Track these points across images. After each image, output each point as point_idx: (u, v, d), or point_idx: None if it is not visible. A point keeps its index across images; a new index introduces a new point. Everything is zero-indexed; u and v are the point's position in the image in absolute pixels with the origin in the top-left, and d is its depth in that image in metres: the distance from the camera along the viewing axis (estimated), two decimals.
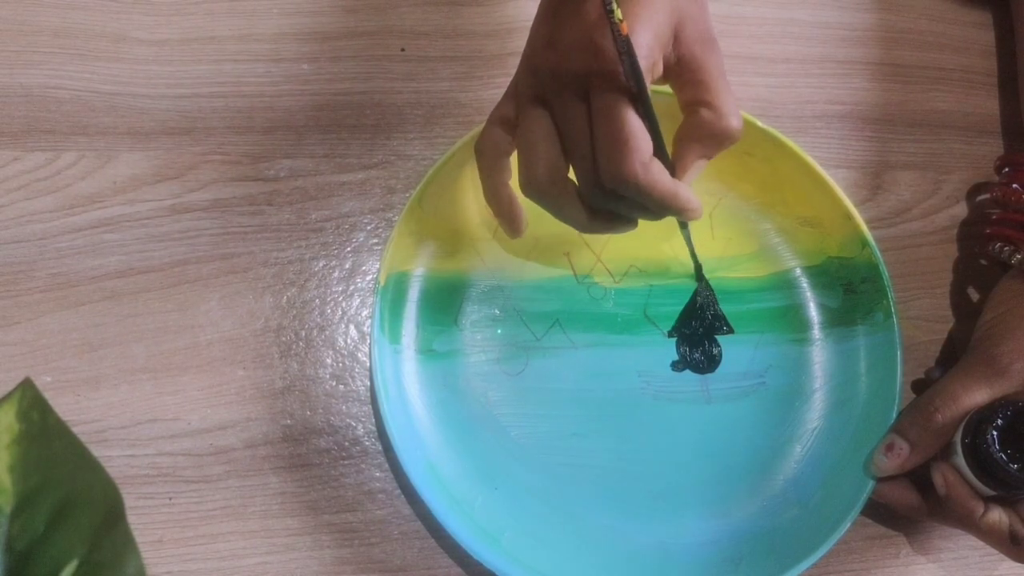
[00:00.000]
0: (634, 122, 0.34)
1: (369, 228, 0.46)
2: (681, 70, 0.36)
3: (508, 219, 0.41)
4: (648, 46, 0.34)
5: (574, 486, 0.43)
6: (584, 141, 0.35)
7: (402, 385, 0.42)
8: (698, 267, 0.47)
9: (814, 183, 0.46)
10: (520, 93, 0.38)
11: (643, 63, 0.34)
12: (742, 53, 0.53)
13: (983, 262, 0.51)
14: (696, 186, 0.43)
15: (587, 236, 0.46)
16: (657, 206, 0.36)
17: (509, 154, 0.40)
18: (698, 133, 0.36)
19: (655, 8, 0.34)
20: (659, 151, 0.35)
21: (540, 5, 0.38)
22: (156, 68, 0.46)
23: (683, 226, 0.43)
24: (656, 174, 0.34)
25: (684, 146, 0.37)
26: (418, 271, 0.44)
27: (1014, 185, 0.49)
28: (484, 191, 0.41)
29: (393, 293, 0.43)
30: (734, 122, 0.36)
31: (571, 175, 0.38)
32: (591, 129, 0.35)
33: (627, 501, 0.43)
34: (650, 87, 0.34)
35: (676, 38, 0.36)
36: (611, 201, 0.37)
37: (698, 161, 0.37)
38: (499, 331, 0.45)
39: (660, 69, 0.36)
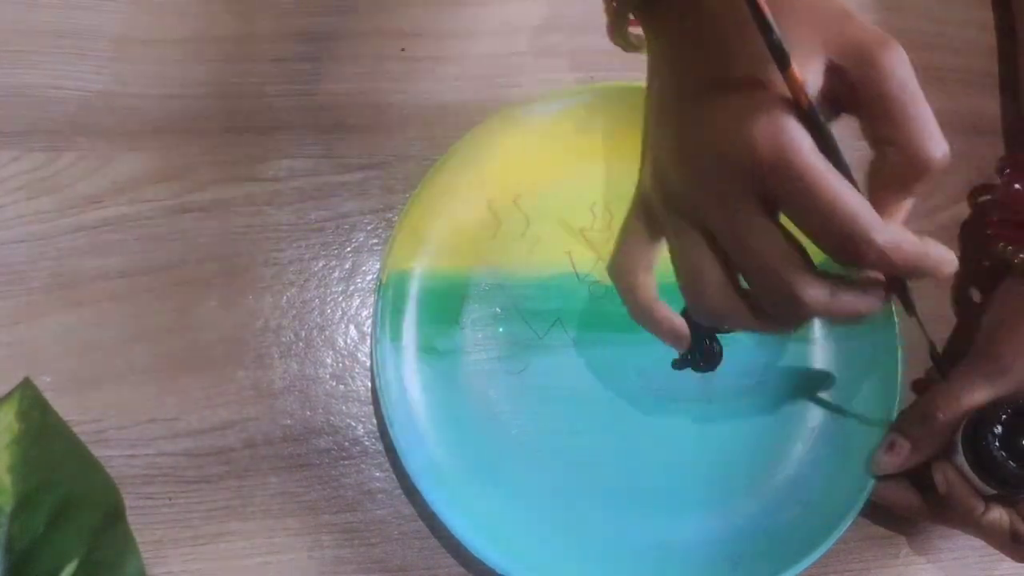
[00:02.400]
0: (846, 190, 0.27)
1: (369, 228, 0.46)
2: (852, 90, 0.29)
3: (670, 337, 0.36)
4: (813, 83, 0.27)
5: (575, 484, 0.43)
6: (777, 254, 0.29)
7: (403, 383, 0.42)
8: (932, 347, 0.42)
9: None
10: (659, 217, 0.32)
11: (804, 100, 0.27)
12: None
13: (985, 263, 0.51)
14: None
15: (589, 236, 0.46)
16: (903, 272, 0.29)
17: (650, 270, 0.35)
18: (888, 176, 0.29)
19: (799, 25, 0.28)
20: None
21: (649, 104, 0.33)
22: (156, 68, 0.46)
23: (910, 310, 0.35)
24: (896, 232, 0.28)
25: (878, 189, 0.29)
26: (419, 269, 0.44)
27: (1016, 186, 0.49)
28: (633, 315, 0.36)
29: (394, 291, 0.43)
30: (934, 151, 0.28)
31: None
32: (786, 235, 0.29)
33: (627, 499, 0.43)
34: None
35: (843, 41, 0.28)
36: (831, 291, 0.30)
37: (900, 204, 0.30)
38: (500, 329, 0.45)
39: (817, 81, 0.29)
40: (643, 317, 0.35)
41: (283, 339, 0.44)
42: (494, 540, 0.40)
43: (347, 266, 0.45)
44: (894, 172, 0.29)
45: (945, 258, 0.29)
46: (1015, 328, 0.43)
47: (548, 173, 0.46)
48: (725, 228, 0.29)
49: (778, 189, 0.27)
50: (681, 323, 0.35)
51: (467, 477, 0.42)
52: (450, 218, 0.45)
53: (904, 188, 0.29)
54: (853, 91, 0.28)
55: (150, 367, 0.42)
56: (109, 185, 0.44)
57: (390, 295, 0.43)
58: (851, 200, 0.27)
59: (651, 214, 0.33)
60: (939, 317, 0.50)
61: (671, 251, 0.32)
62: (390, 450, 0.42)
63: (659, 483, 0.44)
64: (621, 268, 0.35)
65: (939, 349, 0.44)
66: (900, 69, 0.28)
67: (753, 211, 0.28)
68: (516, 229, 0.46)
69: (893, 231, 0.27)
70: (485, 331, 0.45)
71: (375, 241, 0.46)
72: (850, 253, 0.28)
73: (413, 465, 0.40)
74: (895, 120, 0.28)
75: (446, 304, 0.44)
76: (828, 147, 0.27)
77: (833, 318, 0.30)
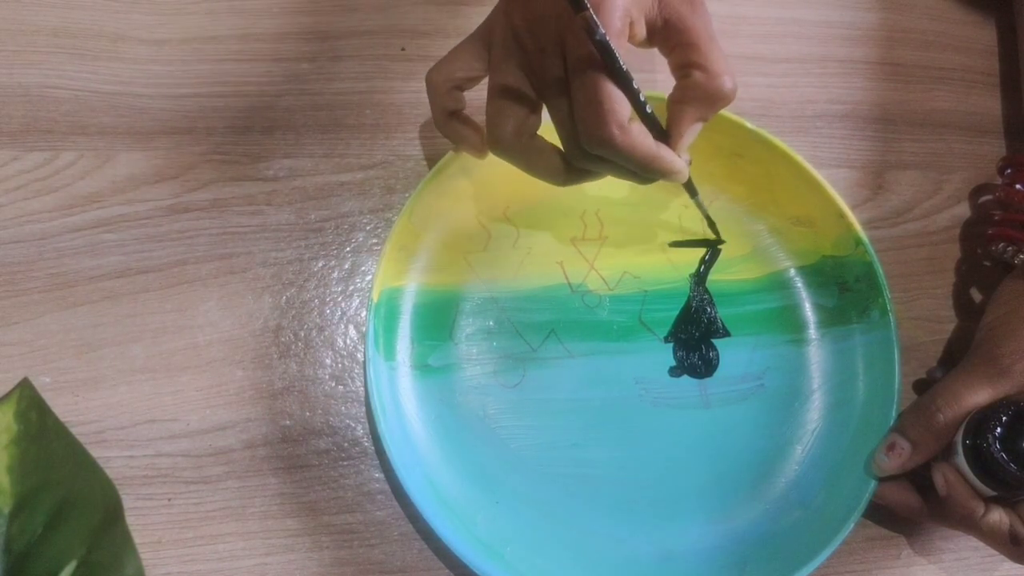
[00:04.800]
0: (608, 85, 0.33)
1: (368, 228, 0.46)
2: (668, 33, 0.36)
3: (466, 144, 0.42)
4: (623, 7, 0.34)
5: (576, 496, 0.43)
6: (563, 105, 0.35)
7: (399, 402, 0.42)
8: (715, 229, 0.47)
9: (805, 183, 0.46)
10: (495, 46, 0.38)
11: (617, 23, 0.33)
12: (743, 53, 0.53)
13: (986, 263, 0.51)
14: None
15: (580, 246, 0.46)
16: (639, 168, 0.36)
17: (462, 88, 0.41)
18: (691, 95, 0.36)
19: None
20: (642, 114, 0.35)
21: None
22: (156, 67, 0.46)
23: (692, 193, 0.43)
24: (635, 136, 0.34)
25: (678, 110, 0.36)
26: (411, 286, 0.44)
27: (1017, 186, 0.49)
28: (435, 121, 0.42)
29: (386, 309, 0.43)
30: (727, 82, 0.35)
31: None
32: (569, 91, 0.35)
33: (629, 509, 0.43)
34: (623, 52, 0.34)
35: (660, 0, 0.35)
36: (593, 162, 0.37)
37: (693, 125, 0.37)
38: (494, 343, 0.44)
39: (642, 31, 0.36)
40: (440, 123, 0.42)
41: (282, 339, 0.44)
42: (496, 556, 0.40)
43: (346, 266, 0.45)
44: (696, 93, 0.35)
45: (675, 167, 0.36)
46: (1015, 328, 0.43)
47: (537, 184, 0.46)
48: (545, 64, 0.35)
49: (570, 66, 0.34)
50: (477, 130, 0.41)
51: (467, 494, 0.41)
52: (440, 233, 0.45)
53: (702, 109, 0.36)
54: (667, 32, 0.36)
55: (149, 367, 0.42)
56: (108, 185, 0.44)
57: (383, 313, 0.42)
58: (611, 102, 0.33)
59: (484, 47, 0.39)
60: (939, 317, 0.50)
61: (492, 82, 0.37)
62: (388, 461, 0.42)
63: (660, 492, 0.43)
64: (433, 80, 0.40)
65: (939, 349, 0.44)
66: (709, 21, 0.36)
67: (561, 64, 0.35)
68: (506, 241, 0.46)
69: (636, 137, 0.34)
70: (479, 346, 0.44)
71: (375, 241, 0.46)
72: (598, 142, 0.34)
73: (412, 485, 0.40)
74: (703, 51, 0.35)
75: (439, 320, 0.44)
76: (610, 61, 0.33)
77: (629, 157, 0.35)
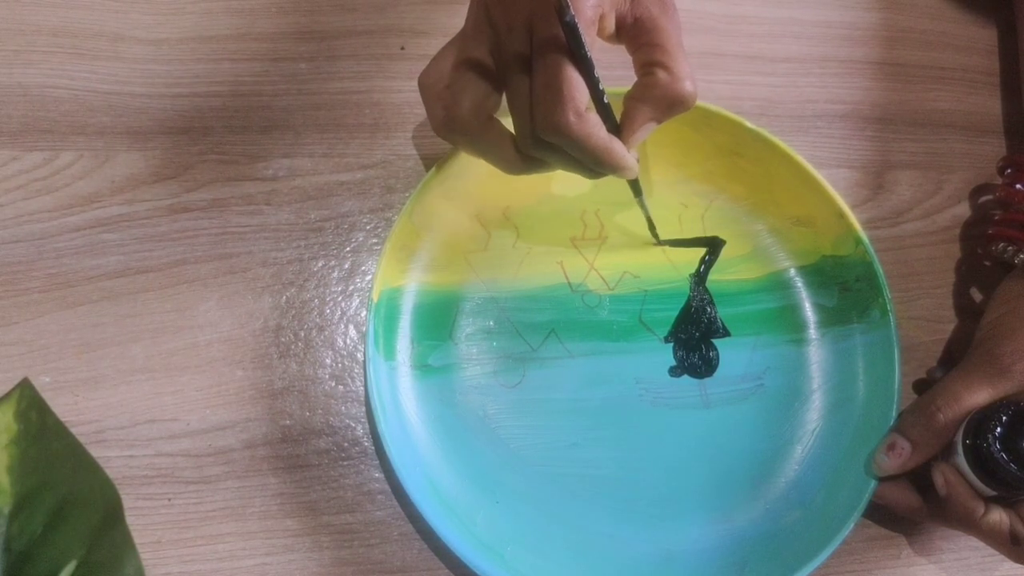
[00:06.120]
0: (571, 71, 0.33)
1: (368, 228, 0.46)
2: (637, 31, 0.36)
3: (437, 124, 0.41)
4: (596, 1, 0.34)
5: (575, 496, 0.43)
6: (522, 87, 0.35)
7: (399, 402, 0.42)
8: (654, 232, 0.46)
9: (805, 183, 0.46)
10: (467, 21, 0.38)
11: (589, 12, 0.33)
12: (743, 52, 0.53)
13: (986, 263, 0.51)
14: (687, 188, 0.43)
15: (580, 245, 0.46)
16: (589, 160, 0.36)
17: (446, 80, 0.39)
18: (650, 95, 0.36)
19: None
20: (598, 105, 0.35)
21: None
22: (154, 67, 0.46)
23: (637, 193, 0.43)
24: (590, 126, 0.34)
25: (634, 107, 0.36)
26: (411, 286, 0.44)
27: (1017, 186, 0.49)
28: (432, 124, 0.40)
29: (387, 309, 0.42)
30: (688, 86, 0.35)
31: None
32: (530, 74, 0.35)
33: (629, 509, 0.43)
34: (593, 48, 0.34)
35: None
36: (545, 151, 0.36)
37: (647, 123, 0.37)
38: (494, 343, 0.44)
39: (611, 24, 0.36)
40: (436, 125, 0.40)
41: (282, 339, 0.43)
42: (496, 556, 0.40)
43: (346, 266, 0.45)
44: (656, 92, 0.35)
45: (626, 163, 0.36)
46: (1015, 328, 0.43)
47: (536, 183, 0.46)
48: (510, 45, 0.35)
49: (534, 48, 0.34)
50: (453, 117, 0.39)
51: (467, 494, 0.41)
52: (440, 233, 0.45)
53: (659, 109, 0.36)
54: (637, 30, 0.36)
55: (149, 367, 0.42)
56: (107, 185, 0.44)
57: (383, 313, 0.42)
58: (571, 87, 0.33)
59: (474, 35, 0.38)
60: (939, 317, 0.50)
61: (455, 61, 0.37)
62: (388, 461, 0.42)
63: (660, 492, 0.43)
64: (424, 76, 0.39)
65: (939, 349, 0.44)
66: (679, 25, 0.36)
67: (526, 45, 0.35)
68: (506, 241, 0.46)
69: (591, 126, 0.34)
70: (479, 346, 0.44)
71: (375, 241, 0.46)
72: (553, 127, 0.34)
73: (412, 485, 0.39)
74: (670, 53, 0.35)
75: (439, 320, 0.44)
76: (575, 45, 0.33)
77: (582, 146, 0.35)
